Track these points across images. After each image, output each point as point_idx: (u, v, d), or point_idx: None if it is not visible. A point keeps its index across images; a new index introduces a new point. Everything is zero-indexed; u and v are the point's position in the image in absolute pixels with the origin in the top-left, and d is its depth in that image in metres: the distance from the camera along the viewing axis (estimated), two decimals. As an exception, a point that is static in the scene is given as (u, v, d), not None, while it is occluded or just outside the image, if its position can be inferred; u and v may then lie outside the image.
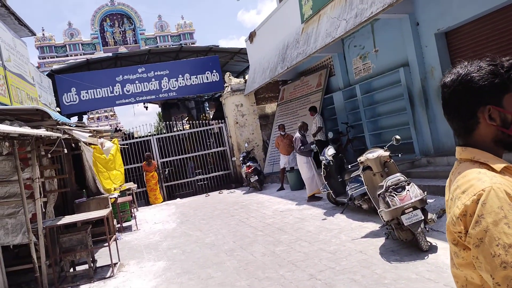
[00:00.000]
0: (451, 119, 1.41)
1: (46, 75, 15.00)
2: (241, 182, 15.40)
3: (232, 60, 18.93)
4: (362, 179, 6.45)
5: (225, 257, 6.43)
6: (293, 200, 10.15)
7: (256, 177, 13.13)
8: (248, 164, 13.46)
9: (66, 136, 7.04)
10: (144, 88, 15.91)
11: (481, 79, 1.30)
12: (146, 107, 22.61)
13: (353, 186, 7.23)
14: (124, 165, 13.38)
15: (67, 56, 37.95)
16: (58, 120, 6.67)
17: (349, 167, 7.08)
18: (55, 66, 18.58)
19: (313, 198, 9.47)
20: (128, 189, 12.00)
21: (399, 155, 6.56)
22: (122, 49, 35.24)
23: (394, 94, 9.94)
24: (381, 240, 5.75)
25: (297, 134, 9.88)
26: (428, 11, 8.48)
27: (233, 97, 15.74)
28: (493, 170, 1.29)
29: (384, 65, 10.19)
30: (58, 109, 14.78)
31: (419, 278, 4.34)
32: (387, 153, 6.13)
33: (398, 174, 5.55)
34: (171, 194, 15.71)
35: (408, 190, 5.16)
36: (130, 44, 40.00)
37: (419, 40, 8.86)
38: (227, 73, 16.35)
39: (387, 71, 9.91)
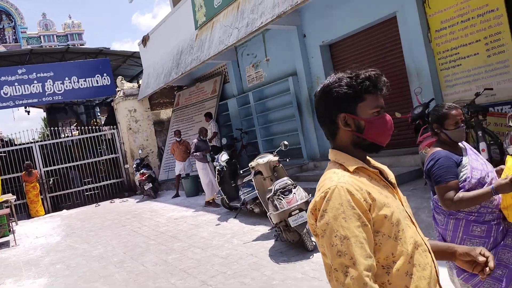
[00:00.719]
0: (320, 124, 1.56)
1: None
2: (135, 190, 14.87)
3: (125, 64, 18.26)
4: (254, 184, 6.63)
5: (114, 269, 6.14)
6: (188, 207, 10.06)
7: (150, 185, 12.79)
8: (141, 171, 13.05)
9: None
10: (25, 91, 14.58)
11: (338, 90, 1.45)
12: (28, 112, 20.81)
13: (245, 191, 7.38)
14: (2, 175, 12.14)
15: None
16: None
17: (241, 172, 7.22)
18: None
19: (212, 204, 9.46)
20: (6, 201, 10.90)
21: (287, 160, 6.85)
22: (1, 48, 32.10)
23: (284, 102, 10.40)
24: (271, 242, 5.94)
25: (195, 140, 9.83)
26: (313, 24, 9.03)
27: (126, 102, 15.18)
28: (347, 170, 1.44)
29: (274, 73, 10.62)
30: None
31: (305, 277, 4.57)
32: (276, 158, 6.38)
33: (286, 178, 5.80)
34: (56, 206, 14.58)
35: (294, 193, 5.42)
36: (10, 43, 36.62)
37: (306, 51, 9.40)
38: (119, 77, 15.73)
39: (278, 80, 10.34)
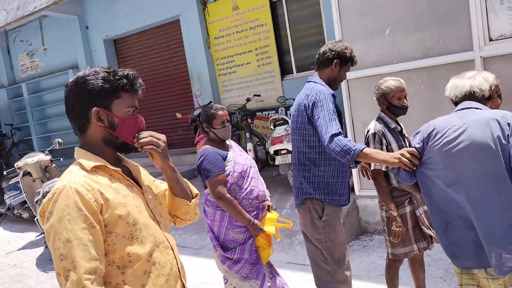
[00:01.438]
0: (69, 118, 1.45)
1: None
2: None
3: None
4: (21, 186, 5.95)
5: None
6: None
7: None
8: None
9: None
10: None
11: (94, 83, 1.38)
12: None
13: (11, 194, 6.52)
14: None
15: None
16: None
17: (5, 173, 6.38)
18: None
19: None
20: None
21: (61, 159, 6.33)
22: None
23: (64, 96, 9.60)
24: (40, 250, 5.42)
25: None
26: (96, 16, 8.60)
27: None
28: (85, 169, 1.37)
29: (53, 65, 9.74)
30: None
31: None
32: (48, 158, 5.85)
33: (57, 178, 5.37)
34: None
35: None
36: None
37: (89, 43, 8.89)
38: None
39: (57, 72, 9.55)
